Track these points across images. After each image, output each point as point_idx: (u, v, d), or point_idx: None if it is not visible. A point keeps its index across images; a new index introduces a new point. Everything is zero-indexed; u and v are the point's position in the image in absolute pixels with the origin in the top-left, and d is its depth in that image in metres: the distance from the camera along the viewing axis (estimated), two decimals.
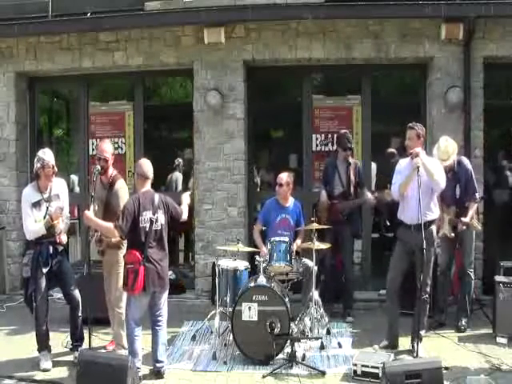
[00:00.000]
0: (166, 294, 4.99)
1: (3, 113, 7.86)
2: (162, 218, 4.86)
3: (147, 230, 4.77)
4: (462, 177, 5.91)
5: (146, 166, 4.99)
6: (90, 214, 4.81)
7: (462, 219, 5.81)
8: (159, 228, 4.84)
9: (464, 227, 5.85)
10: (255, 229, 6.43)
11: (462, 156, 6.11)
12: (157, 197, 4.91)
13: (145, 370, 5.00)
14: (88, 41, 7.64)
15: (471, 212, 5.88)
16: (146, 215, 4.78)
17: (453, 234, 5.93)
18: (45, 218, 5.09)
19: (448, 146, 5.83)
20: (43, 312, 5.13)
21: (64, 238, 5.26)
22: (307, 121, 7.63)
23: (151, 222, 4.80)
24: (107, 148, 5.40)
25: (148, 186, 4.97)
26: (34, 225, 5.08)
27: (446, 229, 5.93)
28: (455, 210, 5.89)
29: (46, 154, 5.15)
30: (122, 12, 7.34)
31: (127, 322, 4.87)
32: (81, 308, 5.24)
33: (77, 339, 5.30)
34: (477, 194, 5.96)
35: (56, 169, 5.20)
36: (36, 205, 5.14)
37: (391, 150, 7.71)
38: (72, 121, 8.88)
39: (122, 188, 5.33)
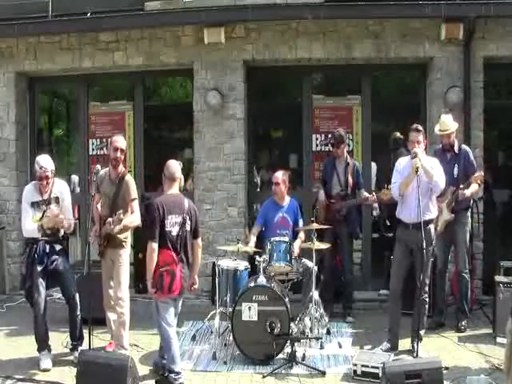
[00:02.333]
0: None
1: (3, 113, 7.86)
2: (188, 223, 4.73)
3: (173, 234, 4.63)
4: (462, 158, 5.93)
5: (173, 166, 4.83)
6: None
7: (464, 191, 5.75)
8: (185, 234, 4.71)
9: (465, 192, 5.76)
10: (253, 229, 6.44)
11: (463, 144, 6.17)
12: (186, 202, 4.77)
13: (145, 370, 5.00)
14: (88, 41, 7.64)
15: (472, 187, 5.82)
16: (172, 219, 4.63)
17: (452, 215, 5.87)
18: (41, 219, 5.09)
19: (448, 119, 5.94)
20: (41, 311, 5.12)
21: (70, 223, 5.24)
22: (307, 121, 7.63)
23: (180, 225, 4.66)
24: (122, 140, 5.40)
25: (175, 188, 4.82)
26: (30, 223, 5.10)
27: (446, 214, 5.87)
28: (453, 190, 5.85)
29: (41, 161, 5.14)
30: (122, 12, 7.34)
31: (162, 328, 4.66)
32: (79, 308, 5.24)
33: (76, 339, 5.30)
34: (480, 172, 5.90)
35: (52, 174, 5.18)
36: (34, 205, 5.16)
37: (398, 134, 7.54)
38: (72, 121, 8.89)
39: (130, 179, 5.38)
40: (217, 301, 5.71)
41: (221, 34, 7.11)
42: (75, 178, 8.45)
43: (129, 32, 7.52)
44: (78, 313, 5.24)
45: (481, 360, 5.17)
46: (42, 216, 5.10)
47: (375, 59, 7.31)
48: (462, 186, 5.80)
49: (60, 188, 5.31)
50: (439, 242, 5.97)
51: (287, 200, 6.38)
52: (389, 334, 5.42)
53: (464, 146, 6.10)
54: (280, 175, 6.30)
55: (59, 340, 5.53)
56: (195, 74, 7.47)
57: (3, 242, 7.84)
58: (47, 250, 5.14)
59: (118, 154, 5.27)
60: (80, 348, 5.21)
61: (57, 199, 5.24)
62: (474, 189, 5.89)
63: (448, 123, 5.97)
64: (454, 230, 5.97)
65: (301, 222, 6.38)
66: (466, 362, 5.13)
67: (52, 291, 6.27)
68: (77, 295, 5.25)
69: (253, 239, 6.28)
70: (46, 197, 5.19)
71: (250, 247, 6.13)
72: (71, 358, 5.29)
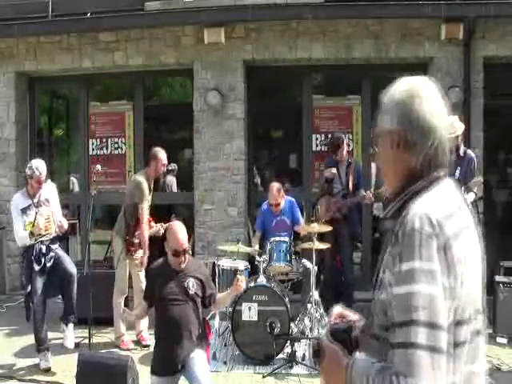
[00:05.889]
0: None
1: (3, 113, 7.86)
2: None
3: None
4: (465, 162, 5.84)
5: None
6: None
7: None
8: None
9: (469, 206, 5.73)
10: (256, 235, 6.39)
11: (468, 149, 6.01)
12: None
13: (145, 370, 4.99)
14: (88, 41, 7.64)
15: (473, 191, 5.70)
16: None
17: None
18: (34, 221, 5.10)
19: (455, 120, 5.80)
20: (40, 312, 5.14)
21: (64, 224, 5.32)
22: (307, 121, 7.62)
23: None
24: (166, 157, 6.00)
25: None
26: (22, 231, 5.13)
27: None
28: None
29: (39, 168, 5.15)
30: (122, 12, 7.35)
31: None
32: (76, 281, 5.27)
33: (69, 313, 5.27)
34: (479, 177, 5.80)
35: (44, 179, 5.23)
36: (25, 210, 5.17)
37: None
38: (72, 121, 8.88)
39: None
40: None
41: (221, 33, 7.11)
42: (75, 178, 8.45)
43: (129, 32, 7.52)
44: (75, 287, 5.26)
45: None
46: (35, 219, 5.10)
47: (375, 59, 7.31)
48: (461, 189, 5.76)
49: (48, 190, 5.35)
50: None
51: (282, 203, 6.31)
52: None
53: (469, 152, 5.92)
54: (276, 191, 6.10)
55: (59, 340, 5.53)
56: (195, 74, 7.47)
57: (3, 242, 7.84)
58: (43, 251, 5.17)
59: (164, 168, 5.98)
60: (71, 322, 5.25)
61: (47, 200, 5.28)
62: (470, 198, 5.85)
63: (455, 125, 5.85)
64: None
65: (301, 218, 6.33)
66: None
67: None
68: (75, 273, 5.30)
69: (256, 246, 6.23)
70: (36, 199, 5.22)
71: (256, 250, 6.09)
72: (71, 358, 5.26)
